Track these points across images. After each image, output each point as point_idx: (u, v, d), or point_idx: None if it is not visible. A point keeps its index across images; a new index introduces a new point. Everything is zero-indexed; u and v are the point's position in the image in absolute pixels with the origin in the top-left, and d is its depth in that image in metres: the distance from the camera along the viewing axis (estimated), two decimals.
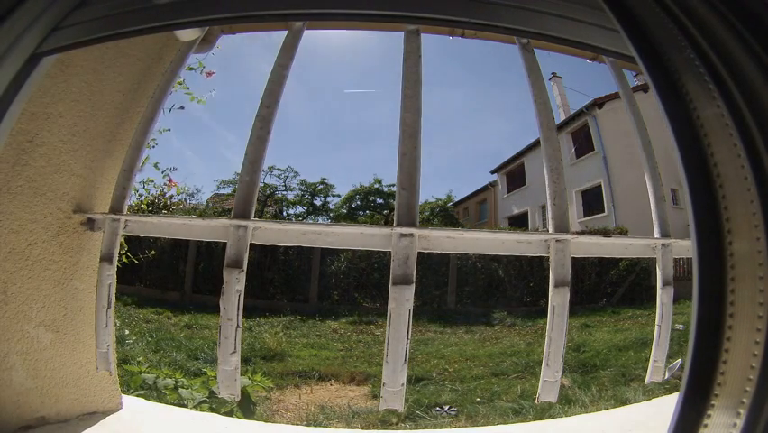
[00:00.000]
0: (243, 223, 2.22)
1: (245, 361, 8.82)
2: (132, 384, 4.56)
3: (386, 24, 2.44)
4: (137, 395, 3.77)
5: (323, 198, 29.74)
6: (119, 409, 2.84)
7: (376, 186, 29.40)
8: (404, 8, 2.15)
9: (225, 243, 2.25)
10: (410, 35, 2.39)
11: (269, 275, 17.48)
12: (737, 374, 0.93)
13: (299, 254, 17.99)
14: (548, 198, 2.39)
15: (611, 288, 16.93)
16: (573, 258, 2.34)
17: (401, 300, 2.12)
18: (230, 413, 4.32)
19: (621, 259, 16.16)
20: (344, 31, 2.75)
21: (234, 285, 2.18)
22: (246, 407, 4.52)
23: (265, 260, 17.51)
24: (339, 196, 29.99)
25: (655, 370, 2.58)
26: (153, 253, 5.79)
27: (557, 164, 2.41)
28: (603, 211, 24.20)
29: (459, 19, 2.12)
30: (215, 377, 2.42)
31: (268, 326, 13.47)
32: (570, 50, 2.42)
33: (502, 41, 2.60)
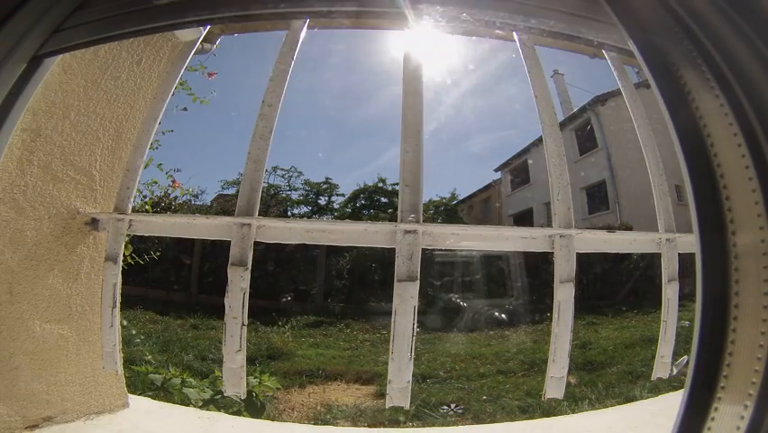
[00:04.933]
0: (247, 221, 2.22)
1: (251, 360, 8.84)
2: (139, 385, 4.57)
3: (386, 23, 2.44)
4: (145, 395, 3.78)
5: (327, 198, 29.71)
6: (126, 409, 2.85)
7: (380, 185, 29.32)
8: (403, 6, 2.15)
9: (230, 241, 2.26)
10: (410, 33, 2.39)
11: (274, 274, 17.49)
12: (744, 367, 0.93)
13: (304, 253, 17.98)
14: (552, 193, 2.39)
15: (617, 285, 16.83)
16: (578, 253, 2.34)
17: (406, 297, 2.12)
18: (237, 412, 4.33)
19: (626, 257, 16.09)
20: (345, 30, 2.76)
21: (239, 283, 2.18)
22: (253, 406, 4.53)
23: (270, 258, 17.51)
24: (343, 195, 29.95)
25: (662, 366, 2.57)
26: (159, 253, 5.79)
27: (560, 161, 2.40)
28: (608, 208, 24.06)
29: (458, 15, 2.11)
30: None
31: (273, 325, 13.49)
32: (570, 45, 2.42)
33: (502, 37, 2.60)
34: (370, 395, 8.26)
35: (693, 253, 1.02)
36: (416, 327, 2.16)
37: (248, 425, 3.06)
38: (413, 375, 2.19)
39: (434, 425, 6.75)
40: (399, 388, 2.15)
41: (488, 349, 11.35)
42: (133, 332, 9.24)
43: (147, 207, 5.53)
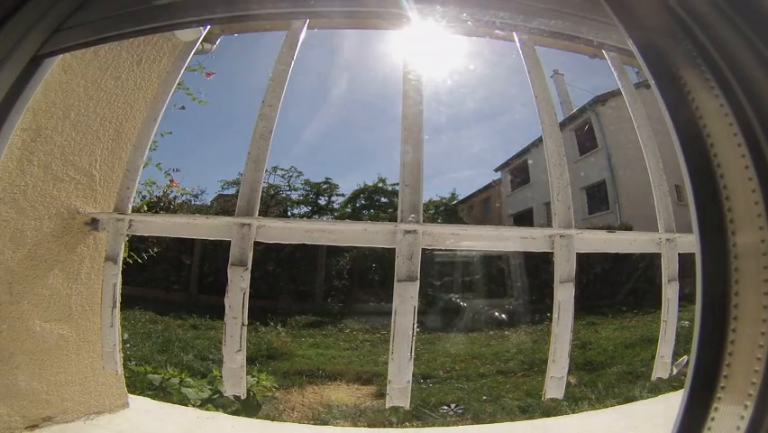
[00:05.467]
0: (247, 221, 2.23)
1: (251, 360, 8.83)
2: (138, 384, 4.58)
3: (385, 22, 2.44)
4: (146, 395, 3.78)
5: (327, 198, 29.67)
6: (126, 409, 2.85)
7: (380, 185, 29.29)
8: (403, 6, 2.15)
9: (230, 241, 2.26)
10: (410, 33, 2.39)
11: (274, 274, 17.46)
12: (744, 367, 0.92)
13: (305, 253, 17.94)
14: (552, 193, 2.39)
15: (617, 285, 16.81)
16: (578, 253, 2.34)
17: (406, 297, 2.12)
18: (236, 412, 4.33)
19: (626, 257, 16.07)
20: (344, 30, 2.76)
21: (239, 283, 2.19)
22: (249, 405, 4.53)
23: (270, 259, 17.48)
24: (343, 195, 29.92)
25: (662, 366, 2.58)
26: (157, 251, 5.78)
27: (560, 160, 2.41)
28: (608, 208, 24.03)
29: (458, 16, 2.11)
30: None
31: (273, 325, 13.48)
32: (570, 45, 2.42)
33: (502, 37, 2.60)
34: (369, 395, 8.25)
35: (693, 253, 1.02)
36: (415, 327, 2.16)
37: (248, 425, 3.06)
38: (413, 375, 2.19)
39: (434, 425, 6.75)
40: (399, 388, 2.15)
41: (488, 349, 11.34)
42: (126, 336, 9.22)
43: (146, 207, 5.54)
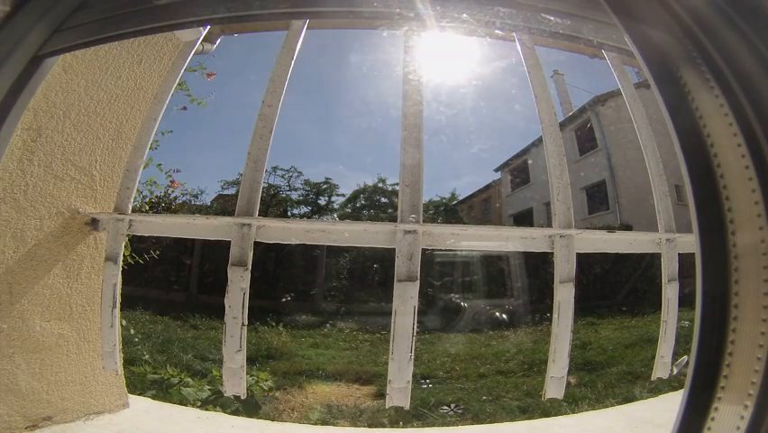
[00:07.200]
0: (247, 221, 2.23)
1: (250, 361, 8.81)
2: (138, 384, 4.58)
3: (386, 22, 2.44)
4: (146, 395, 3.78)
5: (327, 198, 29.63)
6: (126, 409, 2.84)
7: (380, 185, 29.26)
8: (404, 6, 2.14)
9: (230, 241, 2.26)
10: (410, 33, 2.39)
11: (274, 274, 17.46)
12: (744, 367, 0.92)
13: (304, 253, 17.94)
14: (552, 194, 2.39)
15: (617, 285, 16.80)
16: (578, 253, 2.34)
17: (406, 297, 2.12)
18: (236, 412, 4.33)
19: (627, 257, 16.05)
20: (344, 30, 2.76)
21: (239, 283, 2.19)
22: (249, 405, 4.53)
23: (270, 259, 17.48)
24: (343, 195, 29.88)
25: (662, 366, 2.58)
26: (158, 253, 5.78)
27: (560, 161, 2.41)
28: (608, 208, 24.00)
29: (459, 16, 2.11)
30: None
31: (273, 325, 13.47)
32: (570, 45, 2.42)
33: (502, 37, 2.60)
34: (369, 395, 8.25)
35: (693, 253, 1.02)
36: (415, 327, 2.16)
37: (247, 425, 3.06)
38: (412, 375, 2.19)
39: (434, 425, 6.75)
40: (399, 388, 2.16)
41: (487, 349, 11.34)
42: (132, 331, 9.21)
43: (146, 207, 5.54)
